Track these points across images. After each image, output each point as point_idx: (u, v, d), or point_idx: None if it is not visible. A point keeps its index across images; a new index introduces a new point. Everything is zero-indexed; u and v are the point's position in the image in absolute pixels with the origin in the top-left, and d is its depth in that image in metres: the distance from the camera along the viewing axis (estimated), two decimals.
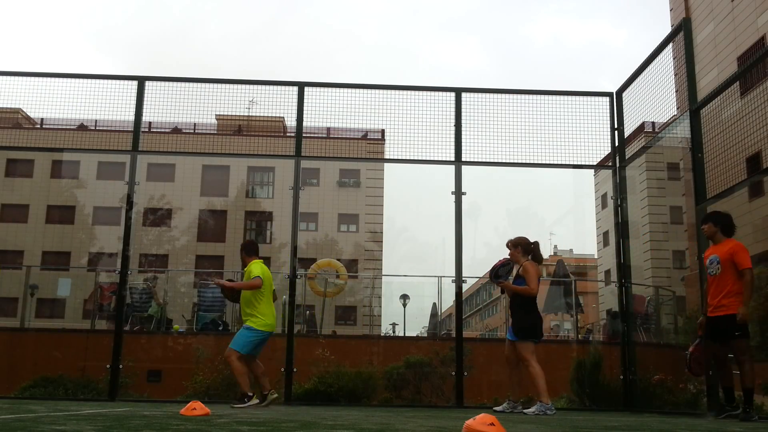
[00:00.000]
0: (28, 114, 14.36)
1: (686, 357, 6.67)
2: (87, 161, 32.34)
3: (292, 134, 9.33)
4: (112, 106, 9.02)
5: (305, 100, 9.09)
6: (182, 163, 34.03)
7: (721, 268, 6.11)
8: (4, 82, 9.02)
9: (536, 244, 7.19)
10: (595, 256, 35.47)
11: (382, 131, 10.58)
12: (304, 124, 9.15)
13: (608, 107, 9.30)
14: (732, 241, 6.19)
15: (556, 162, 9.18)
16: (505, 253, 7.27)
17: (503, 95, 9.30)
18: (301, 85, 9.16)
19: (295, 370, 8.51)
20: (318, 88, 9.33)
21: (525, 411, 6.70)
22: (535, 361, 6.78)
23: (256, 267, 6.96)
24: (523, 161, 9.11)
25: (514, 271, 7.22)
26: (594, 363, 8.95)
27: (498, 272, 7.26)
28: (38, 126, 22.18)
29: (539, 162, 9.16)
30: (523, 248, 7.18)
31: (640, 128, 9.06)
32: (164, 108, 9.03)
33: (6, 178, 34.42)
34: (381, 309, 20.63)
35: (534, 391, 6.90)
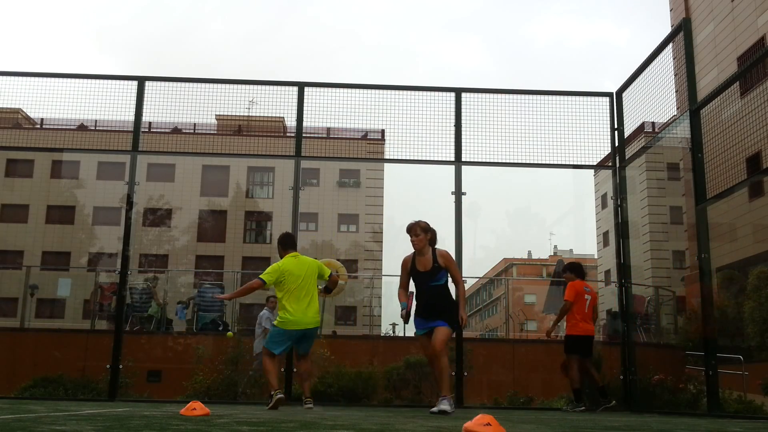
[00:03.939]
0: (28, 114, 14.37)
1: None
2: (87, 161, 32.37)
3: (292, 134, 9.31)
4: (112, 106, 9.00)
5: (305, 100, 9.07)
6: (182, 163, 34.05)
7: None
8: (4, 82, 9.01)
9: (435, 232, 6.45)
10: (595, 257, 35.46)
11: (382, 131, 10.56)
12: (304, 124, 9.13)
13: (608, 107, 9.28)
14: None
15: (556, 162, 9.16)
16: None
17: (503, 95, 9.29)
18: (301, 85, 9.15)
19: (295, 370, 8.51)
20: (318, 88, 9.31)
21: (444, 410, 5.80)
22: None
23: (273, 266, 6.75)
24: (523, 161, 9.08)
25: (427, 264, 6.34)
26: (594, 363, 8.93)
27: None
28: (38, 126, 22.21)
29: (539, 162, 9.14)
30: (433, 236, 6.39)
31: (640, 128, 9.05)
32: (164, 108, 9.02)
33: (6, 178, 34.45)
34: (381, 309, 20.63)
35: (446, 384, 6.13)
